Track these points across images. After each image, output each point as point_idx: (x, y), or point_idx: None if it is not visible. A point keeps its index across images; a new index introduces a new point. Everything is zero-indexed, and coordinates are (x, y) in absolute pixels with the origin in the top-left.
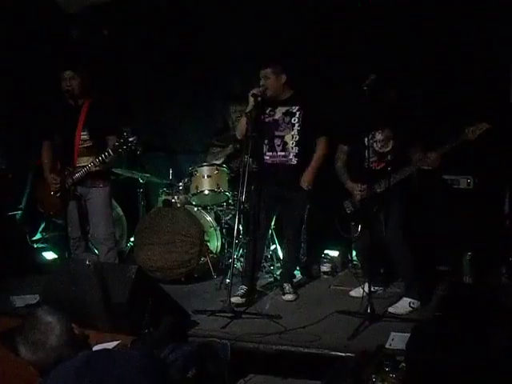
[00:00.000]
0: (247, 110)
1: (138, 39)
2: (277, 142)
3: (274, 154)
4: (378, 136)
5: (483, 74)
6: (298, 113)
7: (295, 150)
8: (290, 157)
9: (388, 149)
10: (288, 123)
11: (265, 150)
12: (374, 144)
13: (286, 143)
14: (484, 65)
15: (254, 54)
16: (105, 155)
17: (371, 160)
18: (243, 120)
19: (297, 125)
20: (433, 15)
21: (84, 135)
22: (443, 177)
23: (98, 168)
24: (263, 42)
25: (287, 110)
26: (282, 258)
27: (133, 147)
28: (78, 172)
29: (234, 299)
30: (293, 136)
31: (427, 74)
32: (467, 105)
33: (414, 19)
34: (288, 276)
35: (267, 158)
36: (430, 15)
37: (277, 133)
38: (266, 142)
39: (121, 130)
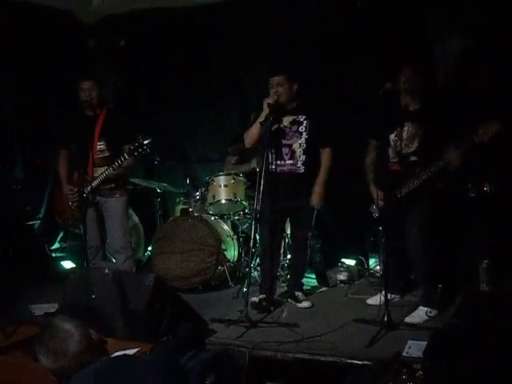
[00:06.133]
0: (261, 120)
1: (153, 49)
2: (285, 150)
3: (282, 162)
4: (404, 133)
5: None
6: (305, 122)
7: (302, 158)
8: (299, 165)
9: (411, 149)
10: (295, 132)
11: (271, 158)
12: (398, 143)
13: (294, 151)
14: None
15: (269, 63)
16: (120, 160)
17: (393, 161)
18: (254, 128)
19: (304, 133)
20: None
21: (100, 145)
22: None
23: (115, 172)
24: (278, 51)
25: (294, 119)
26: (292, 266)
27: (148, 150)
28: (95, 180)
29: (253, 299)
30: (300, 144)
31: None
32: (484, 108)
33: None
34: (299, 284)
35: (274, 166)
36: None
37: (284, 141)
38: (272, 150)
39: (135, 135)
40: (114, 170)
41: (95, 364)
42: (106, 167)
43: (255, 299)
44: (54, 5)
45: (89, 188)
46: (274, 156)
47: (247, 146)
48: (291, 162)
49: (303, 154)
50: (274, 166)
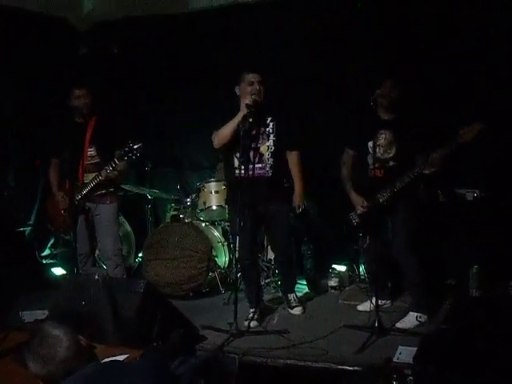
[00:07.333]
0: (238, 120)
1: (147, 56)
2: (253, 154)
3: (250, 166)
4: (381, 140)
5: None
6: (271, 124)
7: (271, 161)
8: (267, 169)
9: (390, 155)
10: (262, 134)
11: (236, 163)
12: (377, 149)
13: (262, 155)
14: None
15: (264, 70)
16: (111, 165)
17: (373, 167)
18: (228, 128)
19: (272, 135)
20: (432, 15)
21: (91, 151)
22: (456, 190)
23: (105, 178)
24: (271, 58)
25: (260, 122)
26: (279, 272)
27: (138, 155)
28: (86, 186)
29: (245, 323)
30: (268, 147)
31: (435, 75)
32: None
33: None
34: (291, 286)
35: (241, 171)
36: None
37: (251, 144)
38: (237, 155)
39: (126, 141)
40: (104, 175)
41: (85, 369)
42: (96, 173)
43: (248, 323)
44: (47, 12)
45: (79, 194)
46: (240, 160)
47: (216, 146)
48: (260, 165)
49: (271, 156)
50: (242, 171)
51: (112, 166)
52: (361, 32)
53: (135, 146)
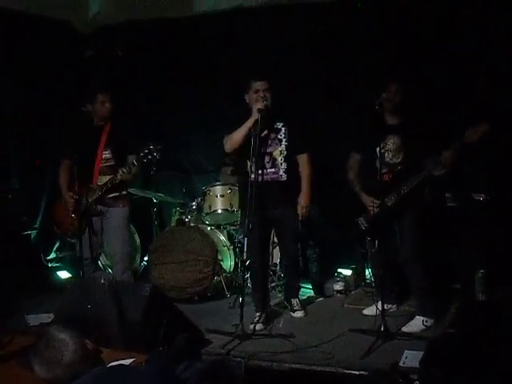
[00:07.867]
0: (249, 125)
1: (150, 59)
2: (265, 158)
3: (264, 171)
4: (390, 145)
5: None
6: (283, 129)
7: (284, 165)
8: (281, 173)
9: (398, 160)
10: (274, 139)
11: (249, 168)
12: (386, 154)
13: (275, 159)
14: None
15: (267, 73)
16: (129, 167)
17: (381, 172)
18: (240, 132)
19: (284, 140)
20: (432, 15)
21: (106, 154)
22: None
23: (121, 178)
24: (275, 61)
25: (272, 127)
26: (284, 275)
27: (158, 157)
28: (101, 189)
29: (250, 326)
30: (281, 152)
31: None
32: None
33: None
34: (294, 291)
35: (256, 176)
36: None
37: (264, 149)
38: (253, 159)
39: (144, 144)
40: (120, 177)
41: (91, 373)
42: (110, 176)
43: (253, 326)
44: (51, 15)
45: (93, 196)
46: (253, 165)
47: (228, 150)
48: (273, 170)
49: (284, 161)
50: (256, 176)
51: (129, 168)
52: (361, 33)
53: (156, 148)
